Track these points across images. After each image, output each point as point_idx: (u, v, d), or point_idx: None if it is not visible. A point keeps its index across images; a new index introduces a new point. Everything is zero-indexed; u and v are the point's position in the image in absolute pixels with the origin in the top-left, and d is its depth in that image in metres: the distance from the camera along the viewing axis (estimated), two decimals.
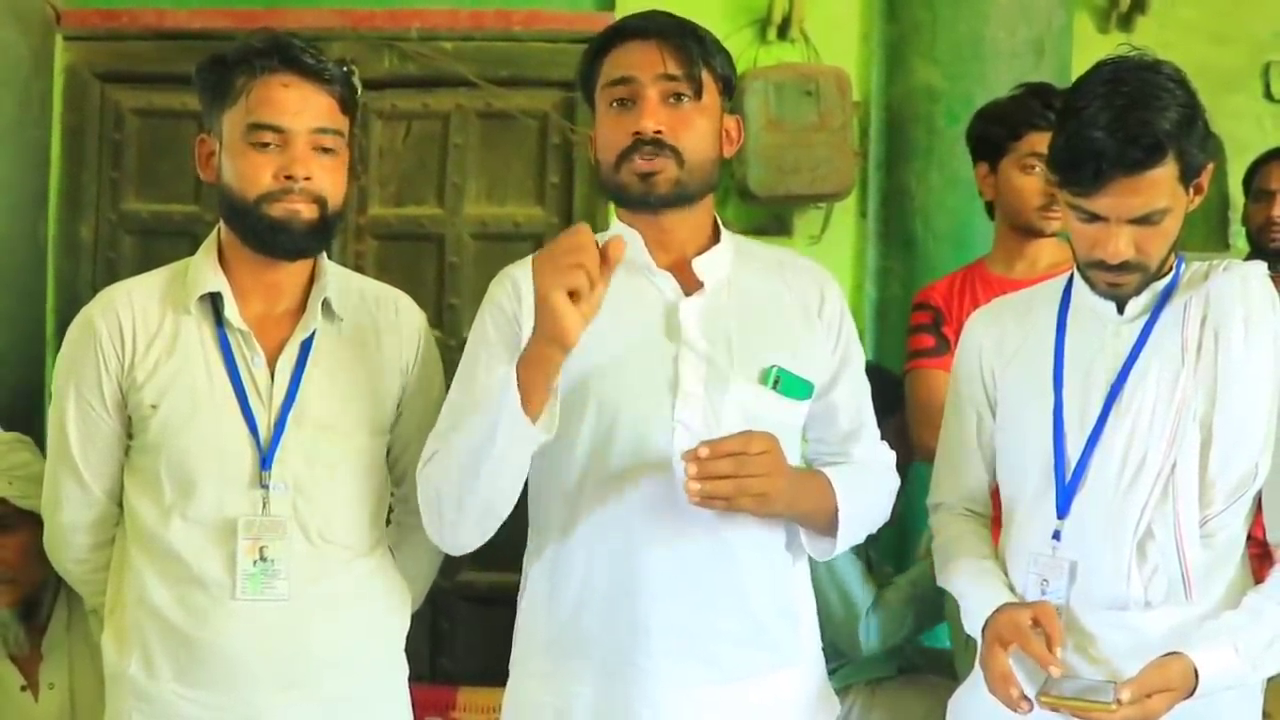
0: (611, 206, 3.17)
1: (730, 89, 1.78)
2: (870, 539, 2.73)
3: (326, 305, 1.83)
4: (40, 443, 2.86)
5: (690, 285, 1.72)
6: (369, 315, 1.88)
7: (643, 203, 1.70)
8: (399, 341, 1.88)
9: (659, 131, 1.66)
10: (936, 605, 2.47)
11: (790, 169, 3.08)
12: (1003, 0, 3.11)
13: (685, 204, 1.71)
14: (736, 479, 1.55)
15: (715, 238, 1.78)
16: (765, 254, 1.84)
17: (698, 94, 1.69)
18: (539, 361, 1.54)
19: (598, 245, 1.51)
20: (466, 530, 1.66)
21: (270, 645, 1.75)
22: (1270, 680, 1.76)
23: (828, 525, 1.72)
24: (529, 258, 1.81)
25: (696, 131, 1.69)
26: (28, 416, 3.00)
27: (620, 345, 1.68)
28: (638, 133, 1.66)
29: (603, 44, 1.74)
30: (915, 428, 2.47)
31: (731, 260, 1.76)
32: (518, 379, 1.53)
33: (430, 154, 3.33)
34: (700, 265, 1.73)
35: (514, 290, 1.74)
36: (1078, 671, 1.65)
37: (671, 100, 1.68)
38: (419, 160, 3.33)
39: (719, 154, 1.74)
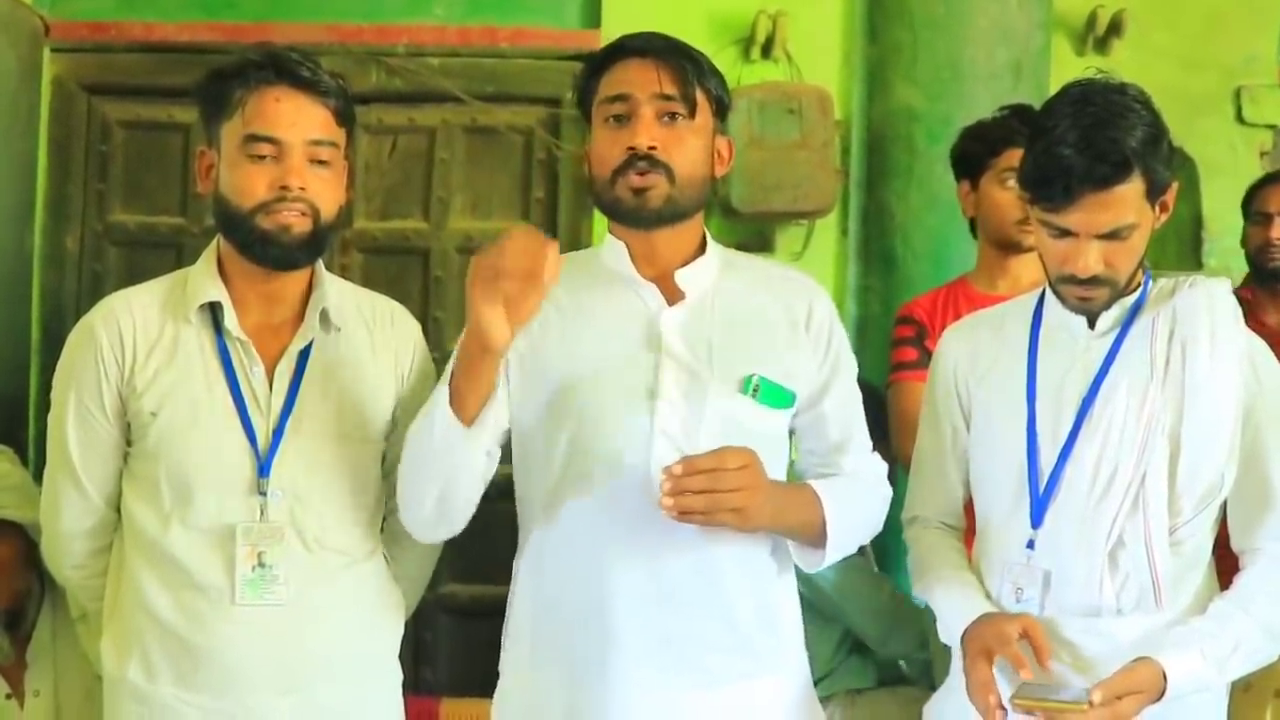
0: (595, 222, 3.21)
1: (724, 110, 1.80)
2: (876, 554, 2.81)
3: (324, 315, 1.84)
4: (25, 452, 2.87)
5: (674, 297, 1.74)
6: (365, 325, 1.89)
7: (635, 217, 1.72)
8: (395, 352, 1.90)
9: (652, 148, 1.69)
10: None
11: (773, 186, 3.11)
12: (982, 23, 3.15)
13: (677, 220, 1.73)
14: (711, 494, 1.55)
15: (702, 251, 1.80)
16: (754, 266, 1.87)
17: (691, 113, 1.72)
18: (468, 366, 1.61)
19: (543, 242, 1.53)
20: (426, 516, 1.71)
21: (269, 650, 1.77)
22: (1238, 688, 1.80)
23: (817, 537, 1.72)
24: None
25: (689, 149, 1.72)
26: (13, 426, 3.00)
27: (601, 355, 1.71)
28: (632, 148, 1.69)
29: (601, 61, 1.77)
30: (897, 439, 2.50)
31: (716, 272, 1.78)
32: (454, 383, 1.61)
33: (416, 168, 3.35)
34: (683, 276, 1.75)
35: None
36: (1052, 675, 1.67)
37: (666, 119, 1.71)
38: (405, 175, 3.35)
39: (710, 172, 1.77)
